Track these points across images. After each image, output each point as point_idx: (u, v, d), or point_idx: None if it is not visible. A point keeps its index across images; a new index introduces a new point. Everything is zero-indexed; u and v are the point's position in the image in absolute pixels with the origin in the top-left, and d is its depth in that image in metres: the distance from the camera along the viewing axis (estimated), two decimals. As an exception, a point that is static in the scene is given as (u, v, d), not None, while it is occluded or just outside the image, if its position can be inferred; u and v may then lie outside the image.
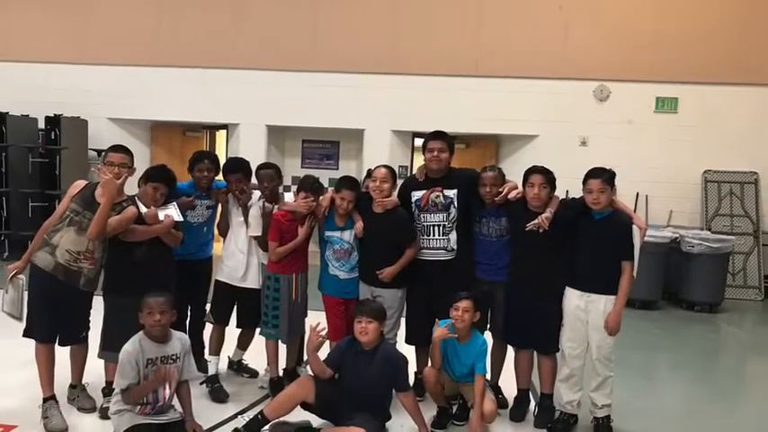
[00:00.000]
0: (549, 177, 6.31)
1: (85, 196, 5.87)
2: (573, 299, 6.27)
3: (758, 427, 7.19)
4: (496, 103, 15.25)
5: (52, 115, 14.83)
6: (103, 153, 6.15)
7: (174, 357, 5.59)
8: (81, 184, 6.04)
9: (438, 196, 6.62)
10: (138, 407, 5.41)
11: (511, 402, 6.79)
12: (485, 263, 6.63)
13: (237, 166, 6.95)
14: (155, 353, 5.50)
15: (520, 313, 6.42)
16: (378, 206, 6.60)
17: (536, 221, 6.18)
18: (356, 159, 16.53)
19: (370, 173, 6.90)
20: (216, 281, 7.08)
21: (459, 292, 6.18)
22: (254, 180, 6.99)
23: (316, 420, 5.99)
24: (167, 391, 5.54)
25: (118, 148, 6.08)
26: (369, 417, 5.73)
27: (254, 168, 7.02)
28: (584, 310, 6.21)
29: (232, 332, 7.20)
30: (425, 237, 6.66)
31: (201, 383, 6.76)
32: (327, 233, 6.75)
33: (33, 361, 5.95)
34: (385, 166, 6.75)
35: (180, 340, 5.71)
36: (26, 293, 5.99)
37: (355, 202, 6.63)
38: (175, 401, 5.71)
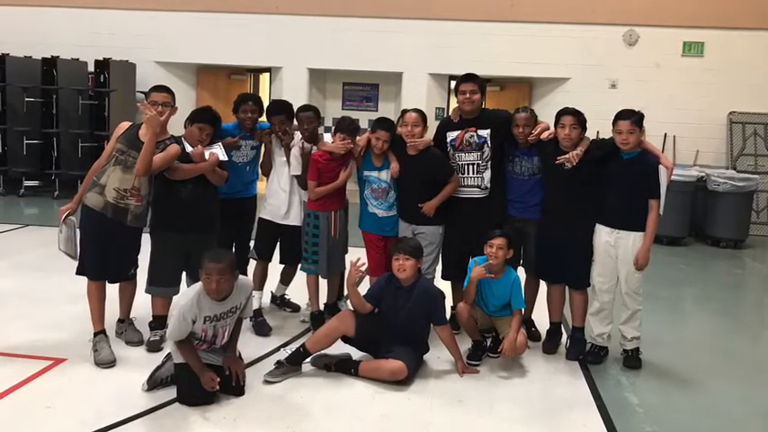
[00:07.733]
0: (579, 118, 6.22)
1: (130, 136, 5.80)
2: (603, 235, 6.21)
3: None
4: (530, 48, 15.10)
5: (101, 59, 14.86)
6: (146, 93, 6.09)
7: (233, 310, 5.33)
8: (125, 125, 5.98)
9: (472, 136, 6.53)
10: (196, 342, 5.25)
11: (543, 335, 6.76)
12: (517, 201, 6.58)
13: (280, 108, 6.86)
14: (214, 311, 5.20)
15: (552, 249, 6.39)
16: (411, 148, 6.50)
17: (566, 156, 6.10)
18: (395, 101, 16.40)
19: (404, 113, 6.79)
20: (259, 218, 7.05)
21: (492, 229, 6.12)
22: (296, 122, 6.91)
23: (356, 353, 5.96)
24: (223, 339, 5.37)
25: (160, 88, 6.02)
26: (407, 349, 5.71)
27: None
28: (613, 246, 6.15)
29: (275, 268, 7.19)
30: (460, 175, 6.57)
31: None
32: (365, 173, 6.69)
33: (83, 297, 5.92)
34: (415, 110, 6.65)
35: (242, 289, 5.37)
36: (78, 233, 5.95)
37: (390, 143, 6.54)
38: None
